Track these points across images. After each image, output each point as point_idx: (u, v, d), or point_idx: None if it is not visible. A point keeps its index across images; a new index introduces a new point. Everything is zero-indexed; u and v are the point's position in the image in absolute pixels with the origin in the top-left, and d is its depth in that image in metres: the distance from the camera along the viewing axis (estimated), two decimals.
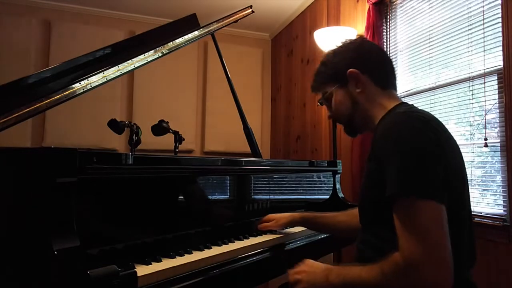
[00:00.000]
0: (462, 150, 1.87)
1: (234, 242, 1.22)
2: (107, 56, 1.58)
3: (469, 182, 1.81)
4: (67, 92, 1.23)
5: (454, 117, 1.93)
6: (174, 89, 3.82)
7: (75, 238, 0.80)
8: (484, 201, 1.75)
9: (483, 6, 1.74)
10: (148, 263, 0.93)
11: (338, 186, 1.90)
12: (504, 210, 1.62)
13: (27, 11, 3.45)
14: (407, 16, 2.28)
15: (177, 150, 2.00)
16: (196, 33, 1.81)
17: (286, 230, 1.45)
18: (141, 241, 1.03)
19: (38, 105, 1.13)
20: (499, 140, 1.67)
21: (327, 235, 1.51)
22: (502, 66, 1.61)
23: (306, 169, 1.82)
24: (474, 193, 1.80)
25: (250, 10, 2.23)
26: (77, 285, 0.73)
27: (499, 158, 1.67)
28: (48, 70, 1.40)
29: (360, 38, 1.15)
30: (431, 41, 2.07)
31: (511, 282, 1.55)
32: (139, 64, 1.51)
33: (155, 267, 0.92)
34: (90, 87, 1.30)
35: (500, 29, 1.63)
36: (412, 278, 0.80)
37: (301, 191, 1.79)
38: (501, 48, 1.62)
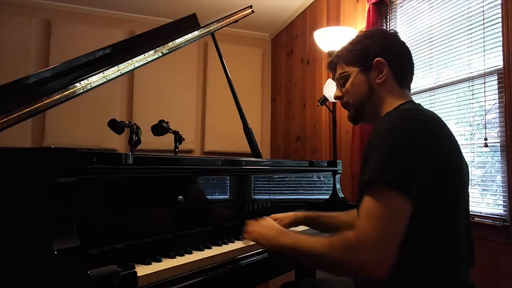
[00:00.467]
0: (462, 150, 1.88)
1: (234, 242, 1.22)
2: (107, 56, 1.58)
3: (469, 182, 1.81)
4: (67, 92, 1.23)
5: (454, 117, 1.93)
6: (174, 89, 3.82)
7: (75, 238, 0.80)
8: (484, 201, 1.75)
9: (483, 6, 1.74)
10: (148, 263, 0.93)
11: (338, 186, 1.91)
12: (504, 210, 1.62)
13: (27, 11, 3.45)
14: (407, 16, 2.28)
15: (177, 150, 2.00)
16: (196, 33, 1.81)
17: (289, 229, 1.45)
18: (141, 241, 1.03)
19: (38, 105, 1.13)
20: (499, 140, 1.67)
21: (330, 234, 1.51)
22: (502, 66, 1.61)
23: (306, 169, 1.82)
24: (474, 193, 1.80)
25: (250, 10, 2.23)
26: (77, 285, 0.73)
27: (499, 158, 1.66)
28: (48, 70, 1.40)
29: (395, 32, 1.14)
30: (431, 41, 2.07)
31: (511, 282, 1.55)
32: (139, 64, 1.51)
33: (155, 267, 0.92)
34: (90, 87, 1.30)
35: (500, 29, 1.63)
36: (355, 255, 0.84)
37: (301, 191, 1.80)
38: (501, 48, 1.62)
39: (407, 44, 1.15)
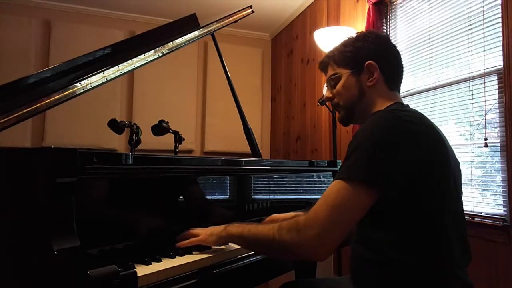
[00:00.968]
0: (462, 150, 1.88)
1: None
2: (107, 56, 1.58)
3: (469, 182, 1.82)
4: (67, 92, 1.23)
5: (454, 117, 1.93)
6: (174, 89, 3.82)
7: (75, 238, 0.80)
8: (484, 201, 1.75)
9: (483, 6, 1.74)
10: (148, 263, 0.93)
11: None
12: (504, 210, 1.62)
13: (27, 11, 3.45)
14: (407, 16, 2.28)
15: (177, 150, 2.00)
16: (196, 33, 1.81)
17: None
18: (141, 241, 1.03)
19: (38, 105, 1.13)
20: (499, 140, 1.67)
21: None
22: (502, 66, 1.61)
23: (306, 169, 1.82)
24: (474, 193, 1.80)
25: (250, 10, 2.23)
26: (77, 285, 0.73)
27: (499, 158, 1.67)
28: (48, 70, 1.40)
29: (387, 35, 1.17)
30: (431, 41, 2.07)
31: (511, 282, 1.55)
32: (139, 64, 1.51)
33: (155, 267, 0.91)
34: (90, 87, 1.30)
35: (500, 29, 1.63)
36: (302, 235, 0.86)
37: (301, 191, 1.80)
38: (501, 48, 1.62)
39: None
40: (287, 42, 3.97)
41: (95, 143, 3.31)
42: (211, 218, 1.29)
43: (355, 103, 1.09)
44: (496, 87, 1.68)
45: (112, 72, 1.39)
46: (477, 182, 1.80)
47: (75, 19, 3.60)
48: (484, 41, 1.73)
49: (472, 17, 1.81)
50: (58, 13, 3.56)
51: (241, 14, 2.17)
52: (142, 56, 1.52)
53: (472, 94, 1.81)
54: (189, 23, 1.94)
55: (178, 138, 1.99)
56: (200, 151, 3.96)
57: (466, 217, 0.97)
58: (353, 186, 0.86)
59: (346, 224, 0.87)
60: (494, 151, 1.70)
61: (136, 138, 1.82)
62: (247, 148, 1.94)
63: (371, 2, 2.36)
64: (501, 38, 1.62)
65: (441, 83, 2.00)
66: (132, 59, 1.48)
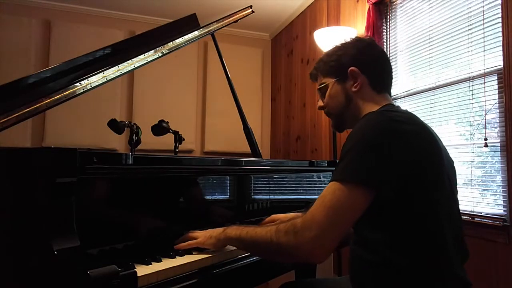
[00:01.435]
0: (462, 150, 1.88)
1: None
2: (107, 56, 1.58)
3: (469, 182, 1.82)
4: (67, 92, 1.23)
5: (454, 117, 1.93)
6: (174, 89, 3.82)
7: (75, 238, 0.80)
8: (484, 201, 1.75)
9: (483, 6, 1.74)
10: (148, 263, 0.93)
11: None
12: (504, 210, 1.62)
13: (27, 11, 3.45)
14: (407, 16, 2.28)
15: (177, 150, 2.01)
16: (196, 33, 1.81)
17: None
18: (141, 241, 1.03)
19: (38, 105, 1.13)
20: (499, 140, 1.67)
21: None
22: (502, 66, 1.61)
23: (306, 169, 1.82)
24: (474, 193, 1.80)
25: (250, 10, 2.23)
26: (77, 285, 0.73)
27: (499, 158, 1.67)
28: (48, 70, 1.40)
29: (369, 39, 1.15)
30: (431, 41, 2.07)
31: (511, 282, 1.55)
32: (139, 64, 1.51)
33: (155, 267, 0.91)
34: (90, 87, 1.30)
35: (500, 29, 1.63)
36: (299, 238, 0.86)
37: (301, 191, 1.79)
38: (501, 48, 1.62)
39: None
40: (287, 42, 3.97)
41: (95, 143, 3.31)
42: (211, 218, 1.29)
43: (343, 110, 1.12)
44: (496, 87, 1.68)
45: (112, 72, 1.39)
46: (477, 182, 1.80)
47: (75, 19, 3.60)
48: (484, 41, 1.73)
49: (472, 17, 1.81)
50: (58, 13, 3.56)
51: (241, 14, 2.17)
52: (142, 56, 1.52)
53: (472, 94, 1.81)
54: (189, 23, 1.94)
55: (178, 138, 1.99)
56: (200, 151, 3.96)
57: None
58: (348, 187, 0.87)
59: (343, 226, 0.87)
60: (494, 151, 1.70)
61: (136, 138, 1.82)
62: (247, 148, 1.94)
63: (371, 2, 2.36)
64: (501, 38, 1.62)
65: (441, 83, 2.00)
66: (132, 59, 1.48)
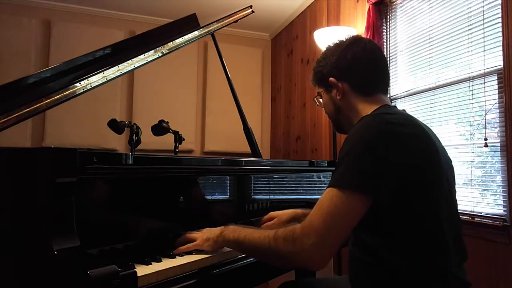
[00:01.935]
0: (462, 150, 1.88)
1: None
2: (107, 56, 1.58)
3: (469, 182, 1.82)
4: (67, 92, 1.23)
5: (454, 117, 1.93)
6: (174, 89, 3.82)
7: (75, 238, 0.80)
8: (484, 201, 1.75)
9: (483, 6, 1.74)
10: (148, 263, 0.93)
11: None
12: (504, 210, 1.62)
13: (27, 11, 3.45)
14: (407, 16, 2.28)
15: (177, 150, 2.01)
16: (196, 33, 1.81)
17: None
18: (141, 241, 1.03)
19: (38, 105, 1.13)
20: (499, 140, 1.67)
21: None
22: (502, 66, 1.61)
23: (306, 169, 1.82)
24: (474, 193, 1.80)
25: (250, 10, 2.23)
26: (77, 285, 0.73)
27: (499, 158, 1.67)
28: (48, 70, 1.40)
29: (351, 39, 1.11)
30: (431, 41, 2.07)
31: (511, 282, 1.55)
32: (139, 64, 1.51)
33: (155, 267, 0.91)
34: (90, 87, 1.30)
35: (500, 29, 1.63)
36: (297, 245, 0.86)
37: (301, 191, 1.79)
38: (501, 48, 1.62)
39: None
40: (287, 42, 3.97)
41: (95, 143, 3.31)
42: (211, 218, 1.29)
43: (336, 116, 1.14)
44: (496, 87, 1.68)
45: (112, 72, 1.39)
46: (477, 182, 1.80)
47: (75, 19, 3.60)
48: (484, 41, 1.73)
49: (472, 17, 1.81)
50: (58, 13, 3.56)
51: (241, 14, 2.17)
52: (142, 56, 1.52)
53: (472, 94, 1.81)
54: (189, 23, 1.94)
55: (178, 138, 1.99)
56: (200, 151, 3.96)
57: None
58: (346, 194, 0.86)
59: (342, 232, 0.87)
60: (494, 151, 1.70)
61: (136, 138, 1.82)
62: (247, 148, 1.94)
63: (371, 2, 2.36)
64: (501, 38, 1.62)
65: (441, 83, 2.00)
66: (132, 59, 1.48)
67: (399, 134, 0.90)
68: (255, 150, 1.91)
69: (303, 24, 3.59)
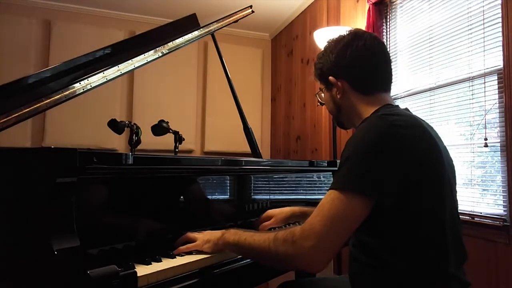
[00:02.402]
0: (462, 150, 1.88)
1: None
2: (107, 56, 1.58)
3: (469, 182, 1.82)
4: (67, 92, 1.23)
5: (454, 117, 1.93)
6: (174, 89, 3.82)
7: (75, 238, 0.80)
8: (484, 201, 1.75)
9: (483, 6, 1.74)
10: (148, 263, 0.93)
11: None
12: (504, 210, 1.62)
13: (27, 11, 3.45)
14: (407, 16, 2.28)
15: (177, 150, 2.00)
16: (196, 33, 1.81)
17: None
18: (141, 241, 1.03)
19: (38, 105, 1.13)
20: (499, 140, 1.67)
21: None
22: (502, 66, 1.61)
23: (306, 169, 1.82)
24: (474, 193, 1.80)
25: (250, 10, 2.23)
26: (77, 285, 0.73)
27: (499, 158, 1.66)
28: (48, 70, 1.40)
29: (351, 35, 1.08)
30: (431, 41, 2.07)
31: (511, 282, 1.55)
32: (139, 64, 1.51)
33: (155, 267, 0.91)
34: (90, 87, 1.30)
35: (500, 29, 1.63)
36: (297, 247, 0.86)
37: (301, 191, 1.79)
38: (501, 48, 1.62)
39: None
40: (287, 42, 3.97)
41: (95, 143, 3.31)
42: (211, 218, 1.29)
43: (337, 114, 1.14)
44: (496, 87, 1.68)
45: (112, 72, 1.39)
46: (477, 182, 1.80)
47: (75, 19, 3.60)
48: (484, 41, 1.73)
49: (472, 17, 1.81)
50: (58, 13, 3.56)
51: (241, 14, 2.17)
52: (142, 56, 1.52)
53: (472, 94, 1.81)
54: (189, 23, 1.94)
55: (178, 138, 1.99)
56: (200, 151, 3.96)
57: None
58: (347, 196, 0.86)
59: (342, 235, 0.87)
60: (494, 151, 1.70)
61: (136, 138, 1.82)
62: (247, 148, 1.94)
63: (371, 2, 2.36)
64: (501, 38, 1.62)
65: (441, 83, 2.00)
66: (132, 59, 1.48)
67: (402, 136, 0.89)
68: (255, 150, 1.91)
69: (303, 24, 3.59)
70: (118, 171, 0.98)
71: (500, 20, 1.64)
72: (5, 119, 1.06)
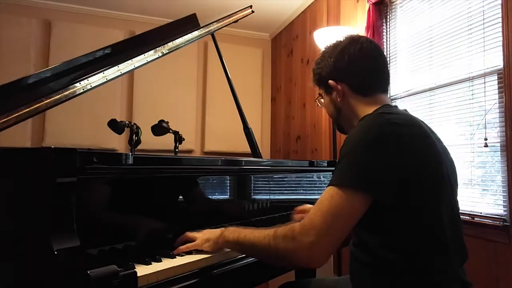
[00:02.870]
0: (462, 150, 1.88)
1: None
2: (107, 56, 1.58)
3: (469, 182, 1.82)
4: (67, 92, 1.23)
5: (454, 117, 1.93)
6: (174, 89, 3.82)
7: (75, 238, 0.80)
8: (484, 201, 1.75)
9: (483, 6, 1.74)
10: (148, 263, 0.93)
11: None
12: (504, 210, 1.62)
13: (27, 11, 3.45)
14: (407, 16, 2.28)
15: (177, 150, 2.01)
16: (196, 33, 1.81)
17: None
18: (141, 241, 1.03)
19: (38, 105, 1.13)
20: (499, 140, 1.67)
21: None
22: (502, 66, 1.61)
23: (306, 169, 1.82)
24: (474, 193, 1.80)
25: (250, 10, 2.23)
26: (77, 285, 0.73)
27: (499, 158, 1.67)
28: (48, 70, 1.40)
29: (348, 40, 1.10)
30: (431, 41, 2.07)
31: (511, 282, 1.55)
32: (139, 64, 1.51)
33: (155, 267, 0.91)
34: (90, 87, 1.30)
35: (500, 29, 1.63)
36: (296, 243, 0.86)
37: (301, 191, 1.79)
38: (501, 48, 1.62)
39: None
40: (287, 42, 3.97)
41: (95, 143, 3.31)
42: (211, 218, 1.29)
43: (337, 118, 1.15)
44: (496, 87, 1.68)
45: (112, 72, 1.39)
46: (477, 182, 1.80)
47: (75, 19, 3.60)
48: (484, 41, 1.73)
49: (472, 17, 1.81)
50: (58, 13, 3.57)
51: (241, 14, 2.17)
52: (142, 56, 1.52)
53: (472, 94, 1.81)
54: (189, 23, 1.94)
55: (178, 138, 1.99)
56: (200, 151, 3.96)
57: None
58: (346, 192, 0.86)
59: (341, 231, 0.87)
60: (494, 151, 1.70)
61: (136, 138, 1.82)
62: (247, 148, 1.94)
63: (371, 2, 2.36)
64: (501, 38, 1.62)
65: (441, 83, 2.00)
66: (132, 59, 1.47)
67: (400, 134, 0.90)
68: (255, 150, 1.91)
69: (303, 24, 3.59)
70: (118, 171, 0.98)
71: (500, 20, 1.64)
72: (5, 119, 1.06)
